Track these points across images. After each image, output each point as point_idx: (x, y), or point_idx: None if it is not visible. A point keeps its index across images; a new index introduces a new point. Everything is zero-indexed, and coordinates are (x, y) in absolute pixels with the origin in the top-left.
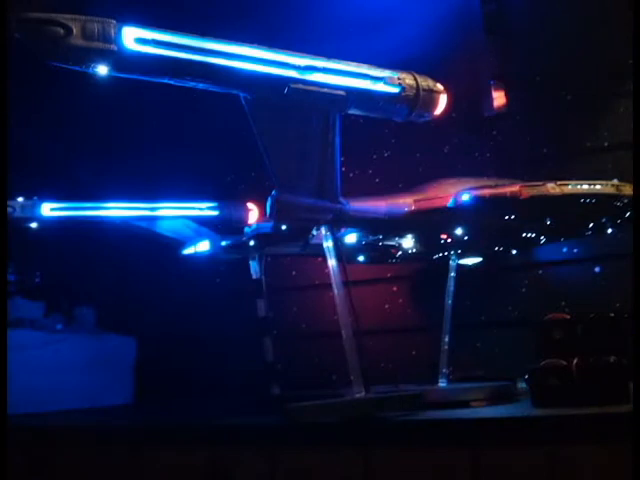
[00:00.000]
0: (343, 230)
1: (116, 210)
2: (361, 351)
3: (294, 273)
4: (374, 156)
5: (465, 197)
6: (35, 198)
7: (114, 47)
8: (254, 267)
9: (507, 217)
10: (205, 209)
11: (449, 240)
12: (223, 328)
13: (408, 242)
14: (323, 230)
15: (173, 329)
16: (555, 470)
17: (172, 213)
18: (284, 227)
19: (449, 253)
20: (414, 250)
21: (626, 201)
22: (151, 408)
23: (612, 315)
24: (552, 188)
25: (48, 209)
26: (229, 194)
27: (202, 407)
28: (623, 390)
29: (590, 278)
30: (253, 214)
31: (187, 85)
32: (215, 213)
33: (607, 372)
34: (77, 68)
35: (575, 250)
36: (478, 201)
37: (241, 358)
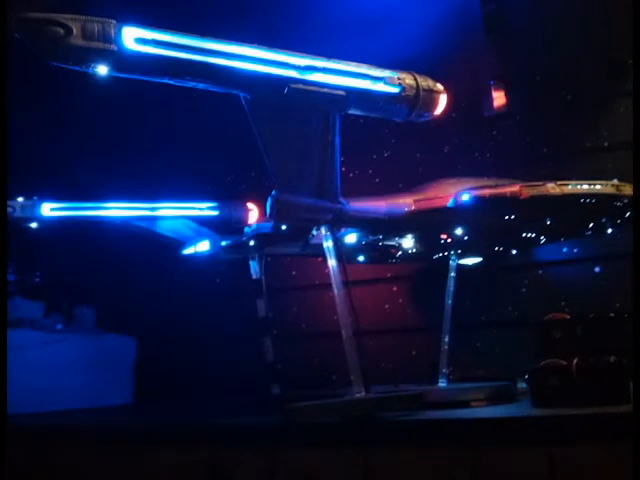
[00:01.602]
0: (343, 230)
1: (116, 210)
2: (361, 351)
3: (294, 273)
4: (374, 156)
5: (465, 197)
6: (35, 198)
7: (114, 47)
8: (254, 267)
9: (507, 217)
10: (205, 209)
11: (449, 240)
12: (223, 328)
13: (408, 242)
14: (323, 230)
15: (173, 329)
16: (555, 470)
17: (172, 213)
18: (284, 227)
19: (449, 253)
20: (414, 250)
21: (626, 201)
22: (151, 408)
23: (612, 315)
24: (552, 188)
25: (48, 209)
26: (229, 194)
27: (202, 407)
28: (623, 390)
29: (590, 278)
30: (253, 214)
31: (187, 85)
32: (215, 213)
33: (607, 372)
34: (77, 68)
35: (575, 250)
36: (478, 201)
37: (241, 358)
